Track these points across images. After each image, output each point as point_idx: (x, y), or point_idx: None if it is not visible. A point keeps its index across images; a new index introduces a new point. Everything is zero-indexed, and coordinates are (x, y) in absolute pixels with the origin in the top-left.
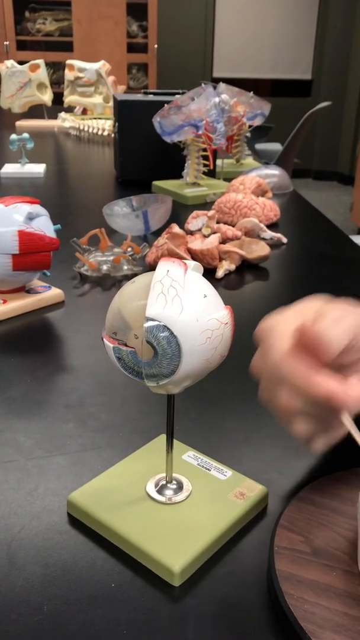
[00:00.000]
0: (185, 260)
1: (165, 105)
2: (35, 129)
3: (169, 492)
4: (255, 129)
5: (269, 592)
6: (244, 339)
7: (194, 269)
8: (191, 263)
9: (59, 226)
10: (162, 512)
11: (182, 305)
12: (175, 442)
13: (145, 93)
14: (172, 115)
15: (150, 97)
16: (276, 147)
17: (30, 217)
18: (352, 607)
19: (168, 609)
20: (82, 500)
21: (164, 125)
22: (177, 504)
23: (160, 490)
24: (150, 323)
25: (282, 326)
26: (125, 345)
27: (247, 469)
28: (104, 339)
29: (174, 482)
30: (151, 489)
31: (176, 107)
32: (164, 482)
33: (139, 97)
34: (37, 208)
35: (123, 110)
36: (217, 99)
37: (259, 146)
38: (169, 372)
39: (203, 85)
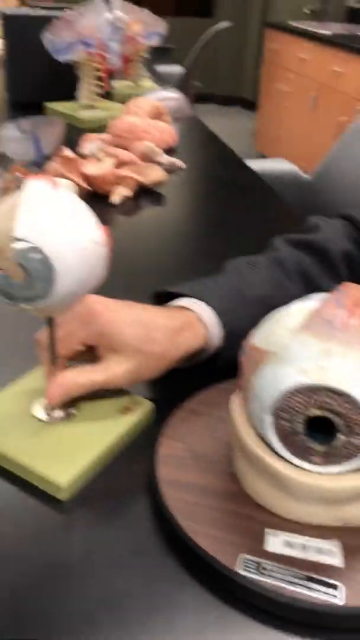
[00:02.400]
0: (55, 179)
1: (55, 20)
2: None
3: (54, 412)
4: (156, 51)
5: (153, 497)
6: (141, 262)
7: (66, 188)
8: (62, 181)
9: None
10: (48, 430)
11: (54, 225)
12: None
13: (31, 6)
14: (63, 32)
15: (41, 12)
16: (177, 69)
17: None
18: (227, 502)
19: (55, 521)
20: None
21: (56, 42)
22: (63, 423)
23: (45, 410)
24: (20, 245)
25: None
26: None
27: (137, 389)
28: None
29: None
30: (36, 410)
31: (67, 23)
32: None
33: (28, 11)
34: None
35: (11, 26)
36: (109, 16)
37: (160, 69)
38: (43, 294)
39: None
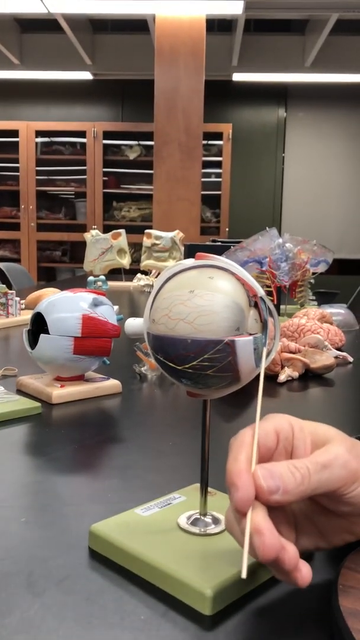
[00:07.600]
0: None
1: (232, 246)
2: (112, 287)
3: (202, 524)
4: (322, 294)
5: (331, 628)
6: None
7: None
8: None
9: (121, 316)
10: (194, 541)
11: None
12: (219, 492)
13: (214, 241)
14: (238, 253)
15: (218, 244)
16: (342, 307)
17: (95, 304)
18: None
19: None
20: (105, 531)
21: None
22: (210, 536)
23: (193, 523)
24: (266, 299)
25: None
26: (249, 333)
27: None
28: (236, 339)
29: (209, 515)
30: (183, 521)
31: (241, 247)
32: (198, 516)
33: (207, 243)
34: (103, 298)
35: (192, 253)
36: (280, 240)
37: (324, 307)
38: (272, 339)
39: (267, 228)
